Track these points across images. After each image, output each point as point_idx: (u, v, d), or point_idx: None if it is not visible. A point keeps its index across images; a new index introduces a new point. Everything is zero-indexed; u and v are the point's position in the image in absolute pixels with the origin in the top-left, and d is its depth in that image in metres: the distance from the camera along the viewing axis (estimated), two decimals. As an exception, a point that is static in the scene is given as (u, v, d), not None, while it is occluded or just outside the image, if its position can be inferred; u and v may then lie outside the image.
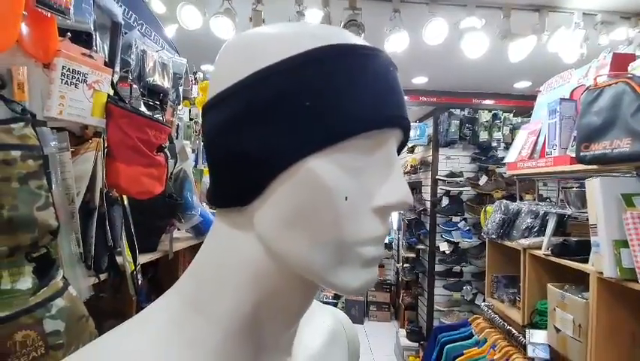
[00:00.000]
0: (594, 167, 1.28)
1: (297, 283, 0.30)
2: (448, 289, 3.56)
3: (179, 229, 1.34)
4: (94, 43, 0.85)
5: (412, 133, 3.92)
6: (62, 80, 0.62)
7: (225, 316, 0.29)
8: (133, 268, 0.83)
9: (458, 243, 3.48)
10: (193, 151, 1.59)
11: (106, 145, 0.69)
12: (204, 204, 1.43)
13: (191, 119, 1.59)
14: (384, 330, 4.73)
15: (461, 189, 3.53)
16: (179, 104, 1.43)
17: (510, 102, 3.59)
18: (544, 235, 1.51)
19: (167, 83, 1.27)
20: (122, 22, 0.86)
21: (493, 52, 2.12)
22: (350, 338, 0.49)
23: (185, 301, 0.31)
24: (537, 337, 1.42)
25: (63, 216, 0.57)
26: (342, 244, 0.27)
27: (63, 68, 0.63)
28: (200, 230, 1.34)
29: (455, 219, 3.52)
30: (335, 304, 2.83)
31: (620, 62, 1.48)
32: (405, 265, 4.18)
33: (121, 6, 1.06)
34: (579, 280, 1.30)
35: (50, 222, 0.51)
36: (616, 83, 1.20)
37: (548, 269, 1.50)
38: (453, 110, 3.44)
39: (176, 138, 1.32)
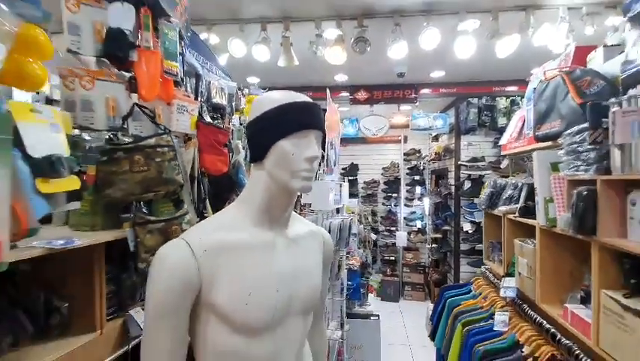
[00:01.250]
0: (548, 143, 1.61)
1: (283, 190, 0.81)
2: (472, 266, 3.83)
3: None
4: (183, 83, 1.43)
5: (436, 123, 4.22)
6: (177, 111, 1.19)
7: (256, 204, 0.81)
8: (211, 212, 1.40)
9: (480, 223, 3.73)
10: (243, 148, 2.19)
11: (198, 144, 1.26)
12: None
13: (241, 125, 2.18)
14: (417, 308, 5.06)
15: (482, 172, 3.77)
16: (233, 115, 2.01)
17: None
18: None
19: (224, 101, 1.85)
20: (202, 73, 1.43)
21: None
22: (326, 241, 0.98)
23: (241, 201, 0.84)
24: (508, 282, 1.78)
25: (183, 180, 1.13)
26: (293, 171, 0.77)
27: (177, 105, 1.20)
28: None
29: (477, 200, 3.76)
30: (366, 277, 3.28)
31: (580, 54, 1.76)
32: (433, 246, 4.49)
33: (193, 54, 1.65)
34: (539, 235, 1.64)
35: (181, 181, 1.07)
36: (557, 76, 1.53)
37: (521, 229, 1.84)
38: (471, 99, 3.69)
39: (232, 139, 1.90)
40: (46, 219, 1.00)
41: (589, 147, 1.09)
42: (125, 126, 1.08)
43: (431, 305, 4.49)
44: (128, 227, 1.00)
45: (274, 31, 2.43)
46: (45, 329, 0.92)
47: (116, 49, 1.04)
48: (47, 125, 0.72)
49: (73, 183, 0.76)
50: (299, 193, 0.91)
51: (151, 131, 1.13)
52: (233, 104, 1.97)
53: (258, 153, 0.80)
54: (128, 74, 1.11)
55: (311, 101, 0.80)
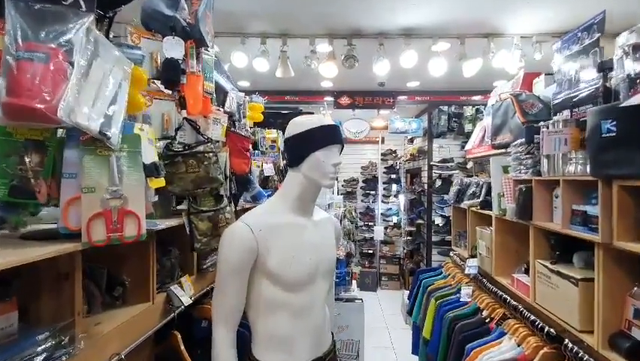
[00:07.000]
0: (502, 150, 2.03)
1: (313, 186, 1.13)
2: (442, 255, 4.31)
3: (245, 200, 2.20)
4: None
5: (410, 126, 4.66)
6: (213, 123, 1.46)
7: (293, 196, 1.13)
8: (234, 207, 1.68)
9: (449, 217, 4.21)
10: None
11: (228, 149, 1.54)
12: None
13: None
14: (394, 296, 5.52)
15: (451, 172, 4.25)
16: (240, 121, 2.28)
17: (491, 98, 4.23)
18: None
19: (234, 109, 2.12)
20: (229, 91, 1.70)
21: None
22: (336, 225, 1.31)
23: (281, 194, 1.15)
24: (472, 262, 2.20)
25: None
26: (324, 172, 1.09)
27: (213, 118, 1.47)
28: (256, 197, 2.20)
29: (446, 197, 4.24)
30: (350, 266, 3.65)
31: (528, 78, 2.20)
32: (408, 238, 4.95)
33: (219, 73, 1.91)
34: (495, 223, 2.06)
35: (222, 179, 1.35)
36: (507, 98, 1.95)
37: (481, 218, 2.25)
38: (441, 107, 4.15)
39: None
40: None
41: (527, 156, 1.50)
42: (175, 135, 1.35)
43: (407, 292, 4.96)
44: (185, 216, 1.27)
45: (272, 44, 2.71)
46: (110, 300, 1.16)
47: (172, 75, 1.31)
48: (147, 139, 0.99)
49: (162, 182, 1.03)
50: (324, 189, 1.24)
51: (192, 140, 1.41)
52: (242, 111, 2.24)
53: (296, 160, 1.11)
54: (177, 94, 1.38)
55: (334, 123, 1.13)
